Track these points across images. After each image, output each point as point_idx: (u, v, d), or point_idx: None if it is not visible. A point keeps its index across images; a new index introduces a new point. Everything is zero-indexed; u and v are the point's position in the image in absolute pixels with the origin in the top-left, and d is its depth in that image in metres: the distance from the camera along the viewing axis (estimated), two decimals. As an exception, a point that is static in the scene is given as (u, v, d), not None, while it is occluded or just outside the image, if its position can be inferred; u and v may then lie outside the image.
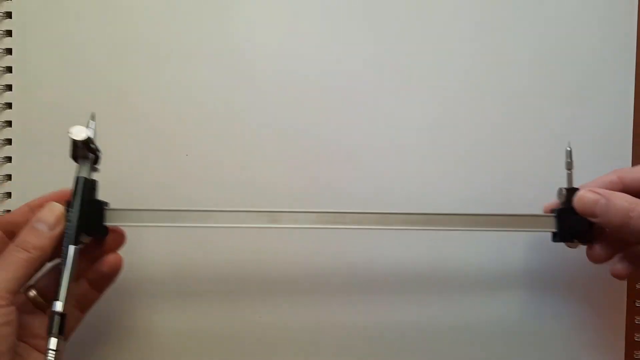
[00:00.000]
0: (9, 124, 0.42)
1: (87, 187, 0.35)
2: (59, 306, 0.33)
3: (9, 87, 0.42)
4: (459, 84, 0.42)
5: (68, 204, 0.35)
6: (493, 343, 0.42)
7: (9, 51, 0.42)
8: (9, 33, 0.42)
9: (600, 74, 0.42)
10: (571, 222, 0.36)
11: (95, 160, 0.36)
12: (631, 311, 0.42)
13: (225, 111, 0.42)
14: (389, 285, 0.42)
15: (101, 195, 0.43)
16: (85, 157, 0.35)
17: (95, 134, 0.35)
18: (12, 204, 0.42)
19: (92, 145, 0.35)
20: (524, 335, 0.42)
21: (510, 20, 0.42)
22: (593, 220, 0.35)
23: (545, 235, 0.37)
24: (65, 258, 0.34)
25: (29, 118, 0.42)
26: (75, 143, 0.34)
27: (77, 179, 0.35)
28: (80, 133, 0.34)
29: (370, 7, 0.42)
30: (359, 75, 0.42)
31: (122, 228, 0.37)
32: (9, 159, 0.42)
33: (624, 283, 0.42)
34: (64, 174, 0.42)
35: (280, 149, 0.42)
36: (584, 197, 0.35)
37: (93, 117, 0.36)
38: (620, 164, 0.42)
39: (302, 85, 0.42)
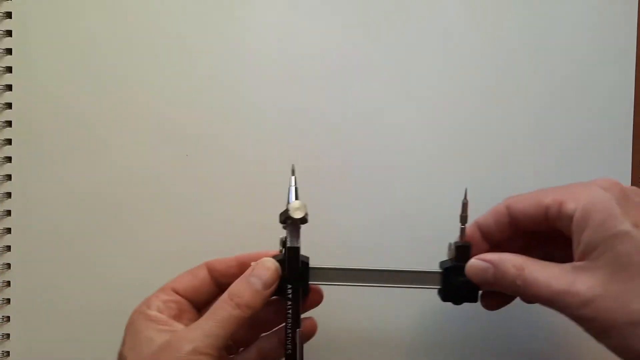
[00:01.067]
0: (9, 124, 0.42)
1: (296, 254, 0.33)
2: None
3: (9, 87, 0.42)
4: (457, 85, 0.42)
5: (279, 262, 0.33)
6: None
7: (9, 51, 0.42)
8: (9, 33, 0.42)
9: (600, 74, 0.42)
10: (458, 283, 0.33)
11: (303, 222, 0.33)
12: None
13: (226, 111, 0.42)
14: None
15: (99, 195, 0.43)
16: (296, 224, 0.33)
17: (297, 187, 0.34)
18: (12, 204, 0.42)
19: (305, 217, 0.33)
20: (521, 334, 0.42)
21: (509, 20, 0.42)
22: (488, 289, 0.33)
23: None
24: (296, 344, 0.33)
25: (29, 118, 0.42)
26: (291, 219, 0.32)
27: (288, 250, 0.33)
28: (299, 212, 0.32)
29: (372, 5, 0.42)
30: (362, 72, 0.42)
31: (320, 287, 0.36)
32: (9, 159, 0.42)
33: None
34: (65, 174, 0.42)
35: (281, 148, 0.42)
36: (473, 267, 0.32)
37: (293, 171, 0.34)
38: (621, 165, 0.42)
39: (305, 85, 0.42)
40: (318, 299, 0.36)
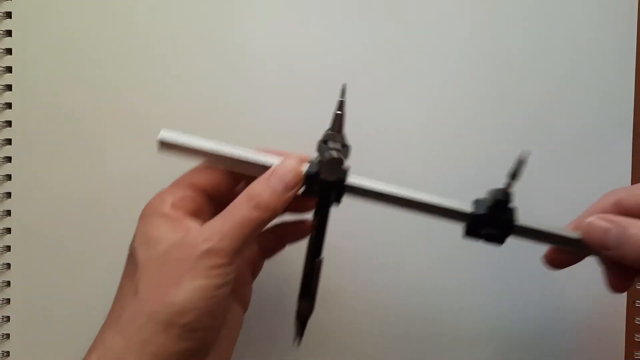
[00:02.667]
0: (9, 124, 0.42)
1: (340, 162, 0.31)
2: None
3: (8, 87, 0.42)
4: (457, 84, 0.42)
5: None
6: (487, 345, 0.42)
7: (9, 51, 0.42)
8: (8, 33, 0.42)
9: (600, 74, 0.42)
10: (485, 232, 0.31)
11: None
12: (631, 311, 0.42)
13: (226, 110, 0.42)
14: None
15: (101, 194, 0.43)
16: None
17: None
18: (12, 204, 0.42)
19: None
20: (521, 335, 0.42)
21: (509, 20, 0.42)
22: (605, 254, 0.29)
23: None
24: (318, 251, 0.31)
25: (29, 118, 0.42)
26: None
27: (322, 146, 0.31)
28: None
29: (368, 4, 0.42)
30: (361, 73, 0.42)
31: None
32: (8, 159, 0.42)
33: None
34: (64, 174, 0.42)
35: (281, 147, 0.42)
36: (593, 224, 0.29)
37: (344, 92, 0.32)
38: (620, 164, 0.42)
39: (302, 83, 0.42)
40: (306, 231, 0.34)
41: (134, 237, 0.30)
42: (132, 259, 0.30)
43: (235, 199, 0.29)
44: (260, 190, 0.29)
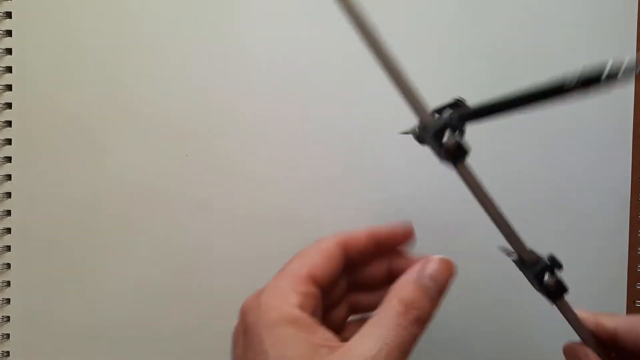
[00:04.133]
0: (9, 124, 0.42)
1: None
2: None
3: (9, 87, 0.42)
4: (455, 85, 0.42)
5: None
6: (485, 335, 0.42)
7: (9, 51, 0.42)
8: (9, 33, 0.42)
9: (601, 74, 0.42)
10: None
11: None
12: (631, 311, 0.42)
13: (226, 111, 0.42)
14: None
15: (99, 195, 0.43)
16: None
17: None
18: (12, 204, 0.42)
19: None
20: (520, 334, 0.42)
21: (508, 20, 0.42)
22: None
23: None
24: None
25: (29, 118, 0.42)
26: None
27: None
28: None
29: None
30: (363, 73, 0.42)
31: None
32: (9, 159, 0.42)
33: (624, 282, 0.42)
34: (65, 174, 0.42)
35: (281, 147, 0.42)
36: None
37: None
38: (621, 165, 0.42)
39: (303, 83, 0.42)
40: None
41: (259, 351, 0.23)
42: None
43: (388, 308, 0.24)
44: (417, 298, 0.24)
